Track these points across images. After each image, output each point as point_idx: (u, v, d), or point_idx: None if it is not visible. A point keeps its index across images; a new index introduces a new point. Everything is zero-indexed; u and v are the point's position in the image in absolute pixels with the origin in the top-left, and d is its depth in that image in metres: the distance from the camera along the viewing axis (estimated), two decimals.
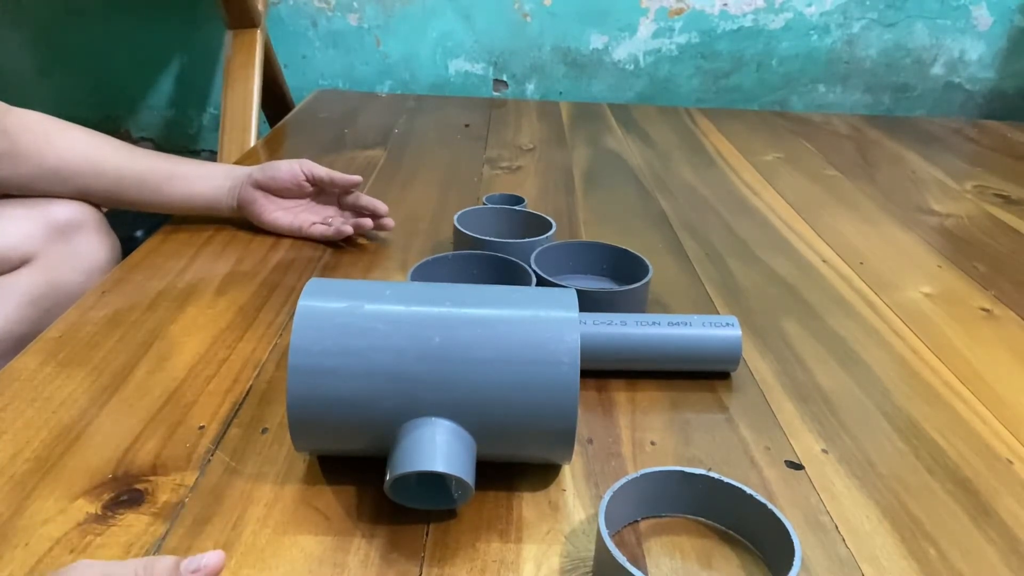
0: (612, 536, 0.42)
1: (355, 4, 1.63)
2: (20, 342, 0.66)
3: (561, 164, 1.18)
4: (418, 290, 0.51)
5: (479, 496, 0.49)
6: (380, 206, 0.84)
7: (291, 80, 1.65)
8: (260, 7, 1.41)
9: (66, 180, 0.76)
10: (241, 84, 1.35)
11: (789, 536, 0.42)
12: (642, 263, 0.72)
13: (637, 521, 0.48)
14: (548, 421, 0.46)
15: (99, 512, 0.46)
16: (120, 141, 0.81)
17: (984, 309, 0.79)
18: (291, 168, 0.81)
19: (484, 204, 0.89)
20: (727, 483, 0.46)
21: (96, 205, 0.80)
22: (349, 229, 0.82)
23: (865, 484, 0.52)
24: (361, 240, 0.86)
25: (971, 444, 0.57)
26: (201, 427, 0.54)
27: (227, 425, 0.55)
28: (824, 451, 0.55)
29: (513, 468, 0.51)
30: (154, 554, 0.43)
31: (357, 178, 0.83)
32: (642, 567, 0.45)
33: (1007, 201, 1.12)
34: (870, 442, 0.57)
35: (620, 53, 1.67)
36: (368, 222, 0.83)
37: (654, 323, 0.62)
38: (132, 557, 0.43)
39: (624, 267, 0.74)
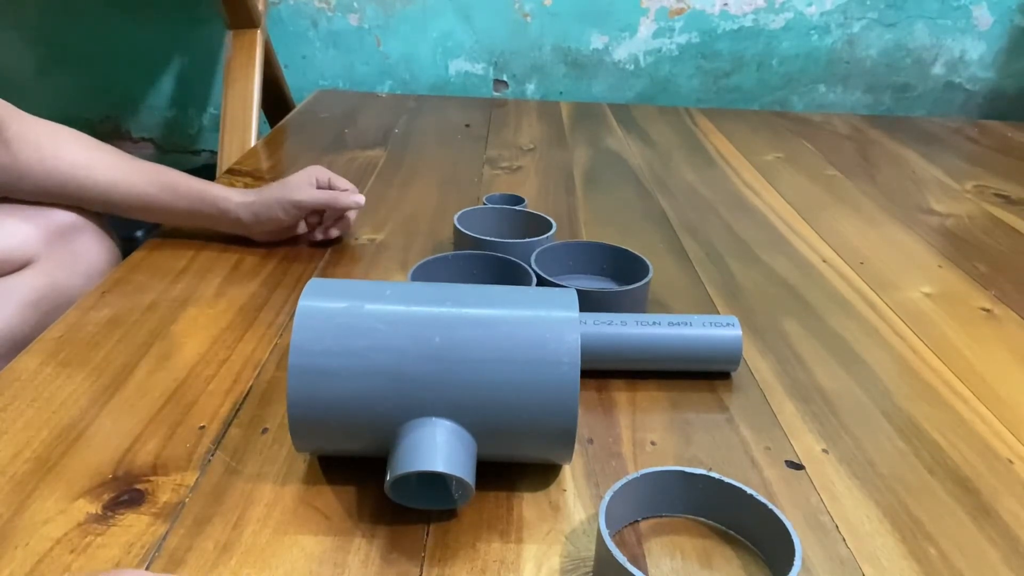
0: (612, 536, 0.42)
1: (355, 4, 1.63)
2: (20, 343, 0.66)
3: (561, 164, 1.18)
4: (418, 290, 0.51)
5: (479, 496, 0.49)
6: (351, 187, 0.86)
7: (291, 80, 1.65)
8: (260, 7, 1.41)
9: (58, 197, 0.76)
10: (241, 84, 1.35)
11: (790, 536, 0.42)
12: (642, 263, 0.72)
13: (637, 521, 0.48)
14: (548, 421, 0.46)
15: (100, 512, 0.46)
16: (121, 156, 0.79)
17: (984, 309, 0.79)
18: (288, 215, 0.80)
19: (484, 204, 0.89)
20: (727, 483, 0.46)
21: None
22: (335, 232, 0.85)
23: (865, 484, 0.52)
24: (361, 240, 0.86)
25: (971, 444, 0.57)
26: (201, 427, 0.54)
27: (227, 425, 0.55)
28: (824, 451, 0.55)
29: (513, 468, 0.51)
30: (155, 555, 0.43)
31: (357, 200, 0.83)
32: (642, 567, 0.45)
33: (1007, 201, 1.12)
34: (870, 442, 0.57)
35: (620, 53, 1.67)
36: (346, 222, 0.85)
37: (654, 323, 0.62)
38: (133, 557, 0.43)
39: (624, 267, 0.74)
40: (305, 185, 0.80)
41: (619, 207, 1.01)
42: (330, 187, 0.84)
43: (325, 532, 0.46)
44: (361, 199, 0.83)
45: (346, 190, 0.84)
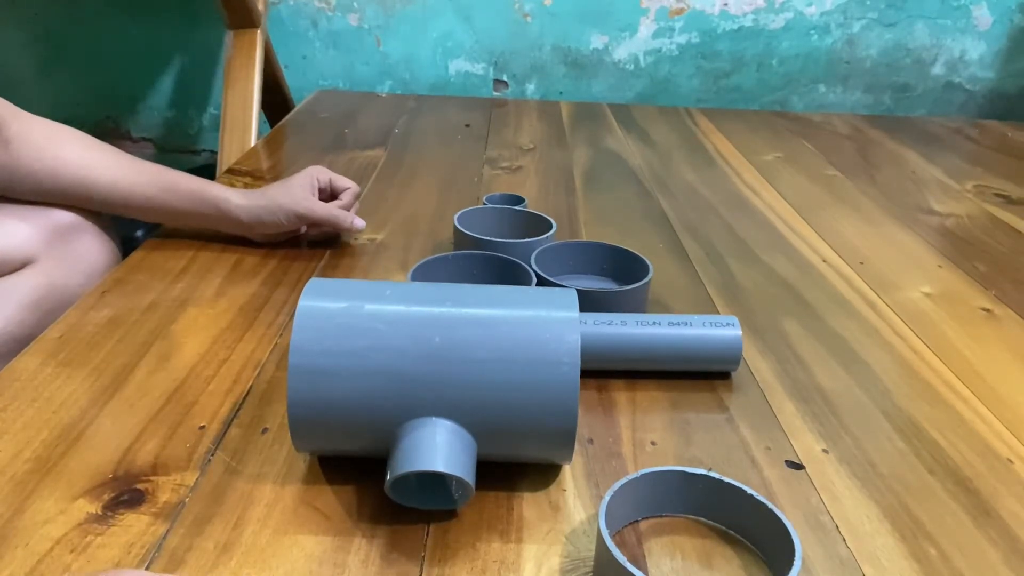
0: (612, 536, 0.42)
1: (355, 4, 1.63)
2: (20, 343, 0.66)
3: (561, 164, 1.18)
4: (418, 290, 0.51)
5: (479, 496, 0.49)
6: (353, 186, 0.86)
7: (291, 80, 1.65)
8: (260, 7, 1.41)
9: (58, 197, 0.76)
10: (241, 84, 1.35)
11: (790, 536, 0.42)
12: (642, 263, 0.72)
13: (637, 521, 0.48)
14: (548, 421, 0.46)
15: (99, 512, 0.46)
16: (121, 156, 0.79)
17: (984, 309, 0.79)
18: (290, 222, 0.79)
19: (484, 204, 0.89)
20: (727, 483, 0.46)
21: None
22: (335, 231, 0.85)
23: (866, 484, 0.52)
24: (361, 240, 0.86)
25: (972, 444, 0.57)
26: (201, 427, 0.54)
27: (227, 425, 0.55)
28: (825, 451, 0.55)
29: (513, 468, 0.51)
30: (155, 555, 0.43)
31: (358, 225, 0.83)
32: (642, 567, 0.45)
33: (1007, 201, 1.12)
34: (871, 442, 0.57)
35: (620, 53, 1.67)
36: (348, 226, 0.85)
37: (654, 323, 0.62)
38: (133, 557, 0.43)
39: (624, 267, 0.74)
40: (308, 193, 0.80)
41: (619, 207, 1.01)
42: (331, 188, 0.84)
43: (325, 532, 0.46)
44: (361, 223, 0.83)
45: (347, 188, 0.84)
